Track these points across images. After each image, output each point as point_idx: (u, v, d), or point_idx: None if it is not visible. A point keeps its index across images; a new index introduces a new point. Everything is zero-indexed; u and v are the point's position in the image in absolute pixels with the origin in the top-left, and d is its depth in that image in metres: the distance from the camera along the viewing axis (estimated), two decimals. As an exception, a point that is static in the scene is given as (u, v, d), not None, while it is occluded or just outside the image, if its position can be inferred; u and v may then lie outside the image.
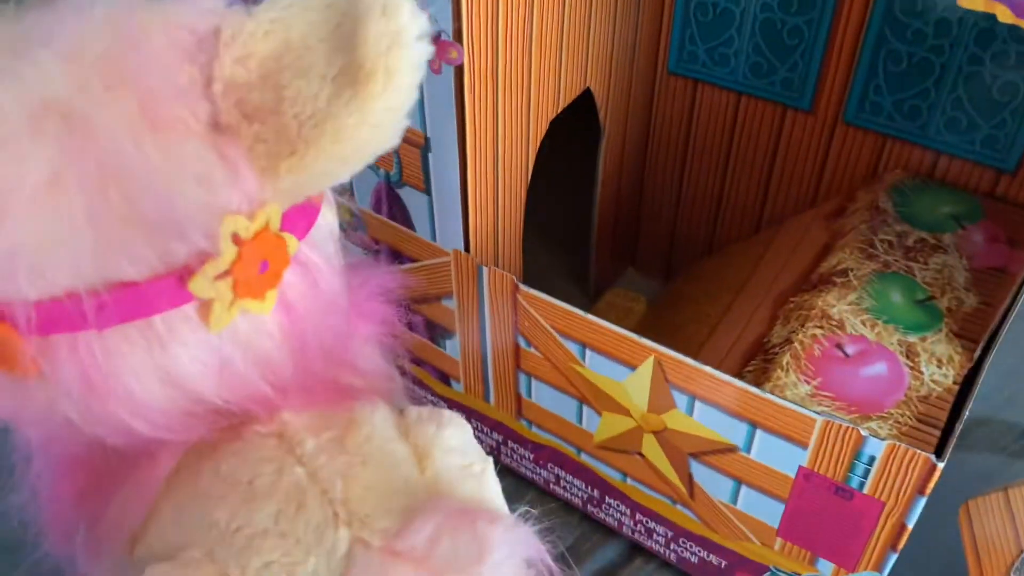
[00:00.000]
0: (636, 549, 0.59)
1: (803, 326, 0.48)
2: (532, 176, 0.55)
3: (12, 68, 0.24)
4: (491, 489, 0.36)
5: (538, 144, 0.54)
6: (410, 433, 0.35)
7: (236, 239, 0.27)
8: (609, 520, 0.59)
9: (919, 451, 0.39)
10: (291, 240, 0.29)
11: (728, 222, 0.69)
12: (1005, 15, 0.34)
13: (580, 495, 0.59)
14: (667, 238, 0.74)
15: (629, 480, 0.54)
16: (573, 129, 0.63)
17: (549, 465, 0.59)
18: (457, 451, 0.35)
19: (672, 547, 0.56)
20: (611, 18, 0.57)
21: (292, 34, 0.25)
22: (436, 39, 0.43)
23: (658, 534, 0.56)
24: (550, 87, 0.53)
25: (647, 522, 0.56)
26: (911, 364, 0.45)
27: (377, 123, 0.25)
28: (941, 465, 0.39)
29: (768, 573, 0.51)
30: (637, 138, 0.69)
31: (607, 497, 0.57)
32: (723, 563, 0.53)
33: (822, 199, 0.63)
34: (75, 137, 0.24)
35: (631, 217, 0.74)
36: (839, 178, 0.61)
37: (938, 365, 0.45)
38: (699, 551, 0.54)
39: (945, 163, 0.57)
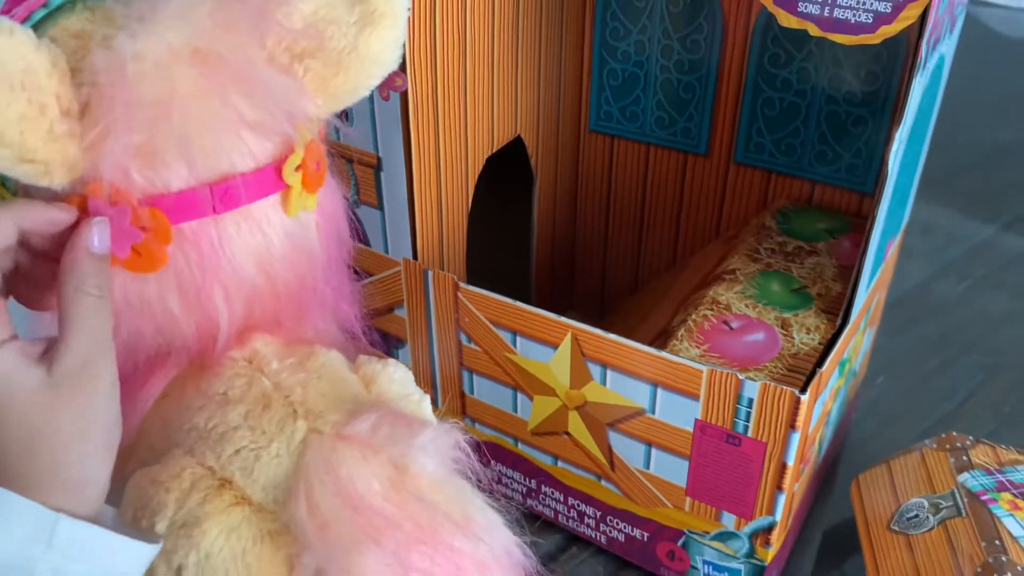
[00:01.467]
0: (572, 539, 0.65)
1: (696, 309, 0.57)
2: (474, 221, 0.64)
3: (151, 23, 0.33)
4: (427, 413, 0.43)
5: (476, 174, 0.64)
6: (360, 369, 0.43)
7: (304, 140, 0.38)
8: (546, 511, 0.65)
9: (786, 387, 0.47)
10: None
11: (649, 258, 0.79)
12: (815, 30, 0.45)
13: (520, 489, 0.65)
14: (599, 279, 0.84)
15: (560, 463, 0.61)
16: (509, 179, 0.73)
17: (492, 463, 0.66)
18: (398, 382, 0.43)
19: (601, 528, 0.62)
20: (536, 76, 0.68)
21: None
22: (385, 71, 0.53)
23: (588, 516, 0.62)
24: (484, 125, 0.63)
25: (578, 505, 0.62)
26: (784, 333, 0.54)
27: (389, 45, 0.39)
28: (804, 398, 0.47)
29: (683, 538, 0.58)
30: (566, 188, 0.79)
31: (543, 486, 0.63)
32: (645, 535, 0.59)
33: (724, 229, 0.73)
34: (208, 62, 0.34)
35: (566, 260, 0.84)
36: (736, 210, 0.72)
37: (807, 332, 0.54)
38: (624, 527, 0.60)
39: (820, 191, 0.68)
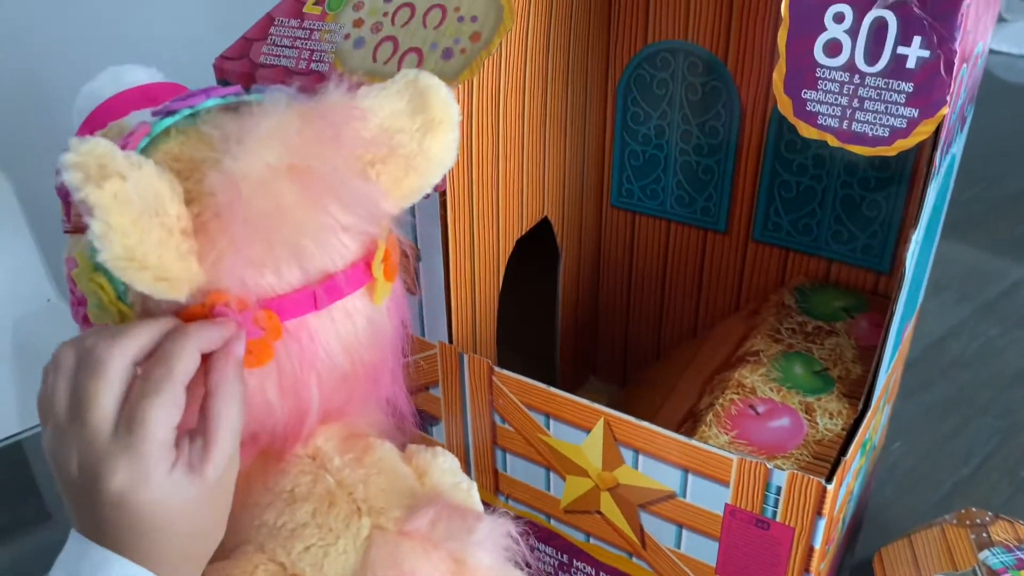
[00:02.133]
0: (602, 611, 0.67)
1: (723, 393, 0.59)
2: (503, 295, 0.67)
3: (248, 144, 0.37)
4: (476, 501, 0.46)
5: (507, 258, 0.67)
6: (411, 460, 0.45)
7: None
8: (578, 584, 0.67)
9: (812, 476, 0.50)
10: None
11: (669, 329, 0.82)
12: (833, 141, 0.48)
13: (551, 562, 0.67)
14: (620, 348, 0.86)
15: (592, 540, 0.63)
16: (536, 253, 0.76)
17: (524, 536, 0.67)
18: (449, 472, 0.46)
19: (632, 601, 0.64)
20: (562, 159, 0.71)
21: (386, 109, 0.41)
22: (425, 172, 0.56)
23: (619, 590, 0.64)
24: (514, 211, 0.66)
25: (609, 579, 0.64)
26: (808, 418, 0.56)
27: (449, 147, 0.43)
28: (830, 488, 0.50)
29: (713, 613, 0.59)
30: (590, 261, 0.82)
31: (575, 561, 0.65)
32: (676, 610, 0.61)
33: (743, 303, 0.76)
34: (303, 176, 0.37)
35: (589, 330, 0.86)
36: (755, 285, 0.74)
37: (830, 417, 0.56)
38: (655, 601, 0.62)
39: (836, 268, 0.70)
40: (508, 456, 0.63)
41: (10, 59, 1.92)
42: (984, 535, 0.60)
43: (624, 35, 0.72)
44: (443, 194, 0.57)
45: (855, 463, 0.56)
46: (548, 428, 0.59)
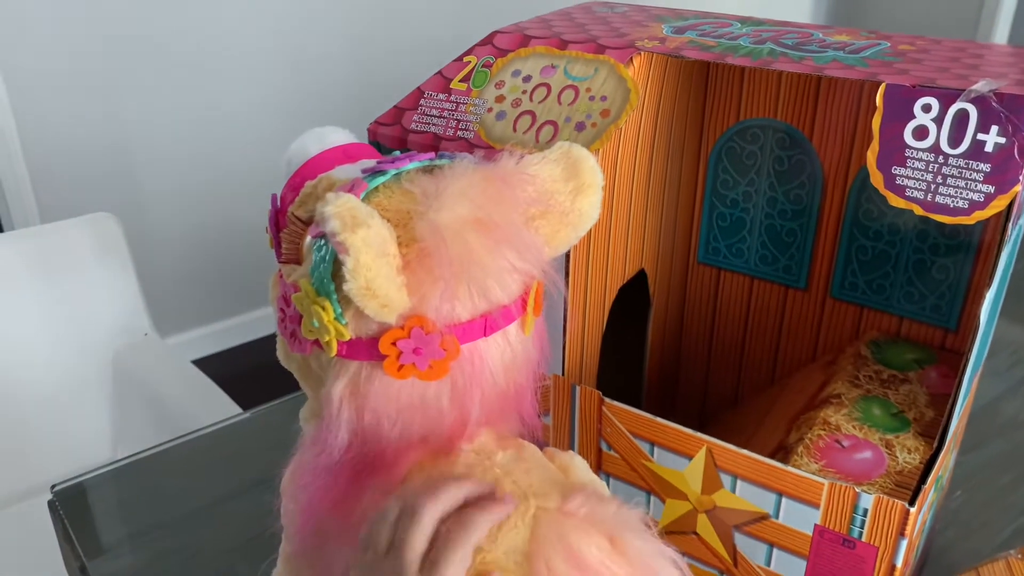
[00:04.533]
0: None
1: (811, 429, 0.66)
2: (603, 338, 0.75)
3: (445, 200, 0.46)
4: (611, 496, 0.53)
5: (611, 302, 0.75)
6: (554, 459, 0.54)
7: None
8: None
9: (897, 500, 0.57)
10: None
11: (748, 377, 0.89)
12: (919, 211, 0.57)
13: (644, 581, 0.74)
14: (700, 394, 0.94)
15: (687, 559, 0.69)
16: (631, 303, 0.84)
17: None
18: (585, 470, 0.54)
19: (720, 618, 0.70)
20: (659, 219, 0.80)
21: (545, 174, 0.51)
22: (556, 226, 0.66)
23: (709, 607, 0.70)
24: (619, 260, 0.75)
25: (699, 597, 0.70)
26: (889, 452, 0.64)
27: (595, 206, 0.52)
28: (913, 510, 0.57)
29: (797, 629, 0.66)
30: (675, 312, 0.90)
31: (667, 579, 0.72)
32: (762, 626, 0.68)
33: (819, 355, 0.83)
34: (487, 228, 0.46)
35: (671, 377, 0.94)
36: (830, 339, 0.82)
37: (908, 452, 0.63)
38: (742, 617, 0.69)
39: (907, 325, 0.78)
40: (611, 480, 0.71)
41: (116, 108, 2.08)
42: (1047, 568, 0.66)
43: (719, 111, 0.82)
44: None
45: (929, 496, 0.63)
46: (652, 455, 0.67)
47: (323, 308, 0.48)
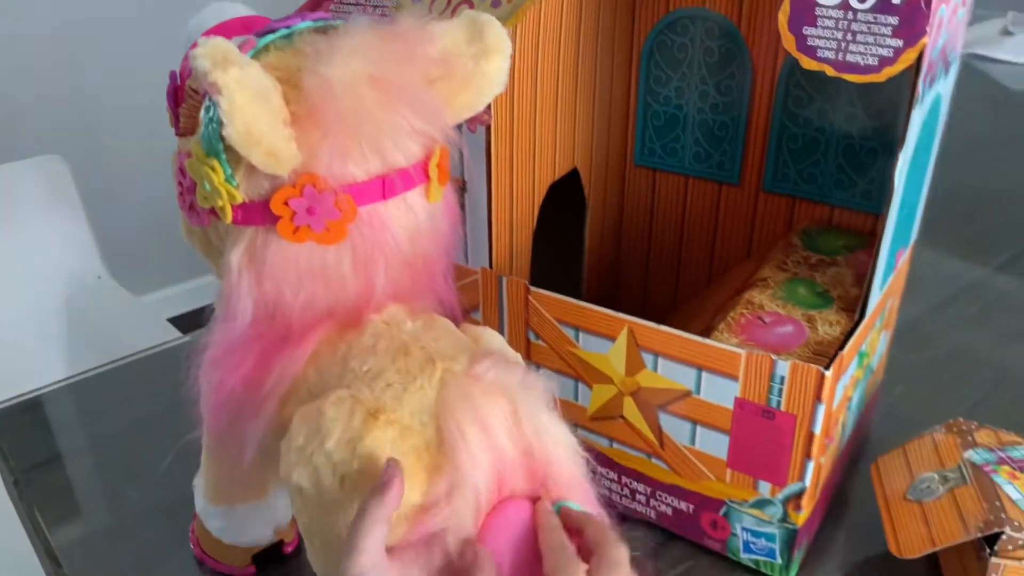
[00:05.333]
0: (622, 517, 0.74)
1: (734, 309, 0.66)
2: (537, 238, 0.74)
3: (337, 57, 0.45)
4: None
5: (541, 199, 0.74)
6: (466, 331, 0.53)
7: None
8: (601, 491, 0.73)
9: (812, 365, 0.57)
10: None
11: (686, 278, 0.89)
12: (831, 71, 0.56)
13: (577, 473, 0.74)
14: (640, 294, 0.93)
15: (615, 444, 0.70)
16: (566, 204, 0.83)
17: (552, 450, 0.74)
18: (498, 341, 0.53)
19: (652, 504, 0.70)
20: (591, 117, 0.79)
21: (449, 36, 0.49)
22: (473, 108, 0.64)
23: (640, 493, 0.71)
24: (548, 158, 0.74)
25: (631, 483, 0.71)
26: (810, 326, 0.64)
27: (501, 70, 0.51)
28: (828, 374, 0.57)
29: (724, 507, 0.66)
30: (613, 215, 0.90)
31: (599, 467, 0.72)
32: (691, 507, 0.68)
33: (754, 250, 0.83)
34: (382, 85, 0.45)
35: (612, 278, 0.94)
36: (764, 232, 0.82)
37: (829, 325, 0.63)
38: (672, 501, 0.69)
39: (839, 214, 0.78)
40: (541, 370, 0.71)
41: (58, 52, 2.03)
42: (970, 439, 0.66)
43: (648, 3, 0.81)
44: (488, 129, 0.65)
45: (852, 369, 0.63)
46: (577, 340, 0.67)
47: (213, 169, 0.47)
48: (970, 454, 0.64)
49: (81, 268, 1.51)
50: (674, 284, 0.90)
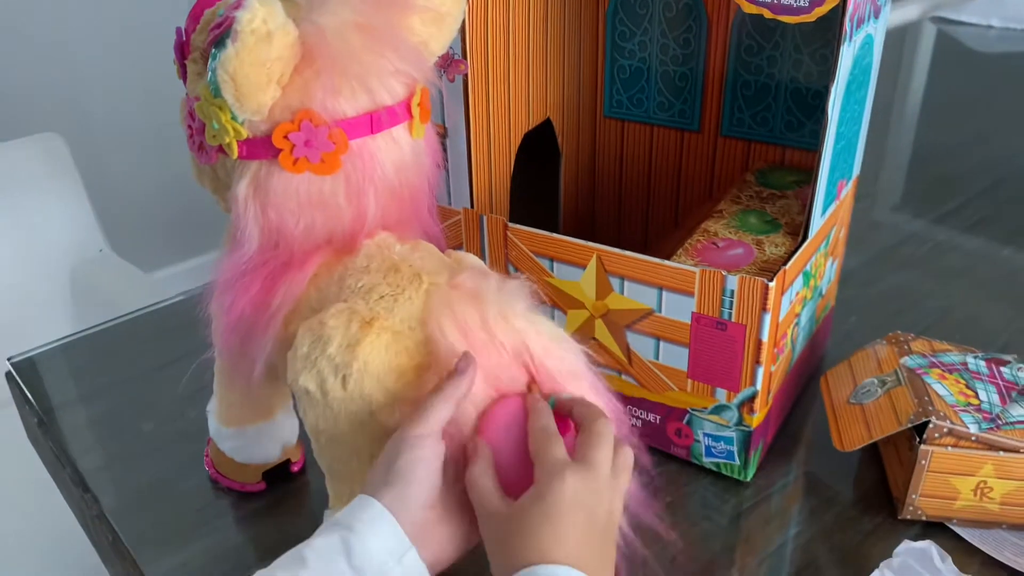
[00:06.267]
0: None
1: (691, 236, 0.73)
2: (516, 186, 0.81)
3: (327, 6, 0.51)
4: None
5: (516, 146, 0.81)
6: (449, 255, 0.60)
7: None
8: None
9: (758, 278, 0.64)
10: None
11: (654, 220, 0.96)
12: (768, 14, 0.63)
13: (556, 395, 0.81)
14: (614, 235, 1.00)
15: (589, 366, 0.77)
16: (542, 154, 0.90)
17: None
18: (477, 262, 0.60)
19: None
20: (561, 70, 0.86)
21: None
22: (451, 59, 0.71)
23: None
24: (522, 107, 0.81)
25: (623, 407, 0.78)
26: (759, 248, 0.71)
27: (461, 13, 0.57)
28: (772, 285, 0.64)
29: (687, 416, 0.73)
30: (586, 164, 0.97)
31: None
32: (658, 418, 0.75)
33: (715, 190, 0.90)
34: (368, 31, 0.51)
35: (587, 224, 1.00)
36: (724, 174, 0.89)
37: (776, 247, 0.70)
38: (641, 413, 0.76)
39: (790, 154, 0.85)
40: (518, 275, 0.77)
41: (53, 31, 2.08)
42: (906, 347, 0.74)
43: (611, -35, 0.87)
44: (465, 78, 0.71)
45: (797, 287, 0.71)
46: (552, 270, 0.74)
47: (220, 108, 0.53)
48: (905, 360, 0.71)
49: (83, 241, 1.57)
50: (644, 225, 0.97)
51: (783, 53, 0.81)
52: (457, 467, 0.52)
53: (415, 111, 0.57)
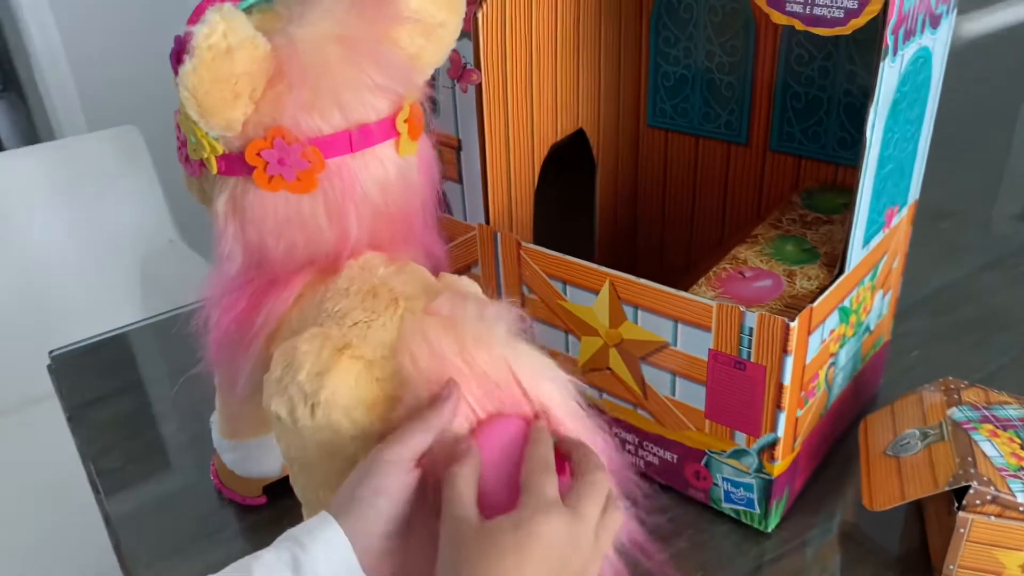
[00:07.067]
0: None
1: (718, 265, 0.67)
2: (546, 204, 0.77)
3: (308, 18, 0.49)
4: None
5: (542, 158, 0.77)
6: (442, 280, 0.56)
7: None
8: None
9: (777, 316, 0.58)
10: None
11: (699, 238, 0.90)
12: (799, 25, 0.56)
13: (573, 423, 0.77)
14: (657, 257, 0.95)
15: (604, 395, 0.72)
16: (575, 166, 0.85)
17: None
18: (471, 287, 0.56)
19: (639, 454, 0.73)
20: (596, 78, 0.81)
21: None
22: (463, 69, 0.67)
23: (629, 443, 0.73)
24: (548, 117, 0.76)
25: (620, 433, 0.73)
26: (789, 280, 0.64)
27: (457, 25, 0.54)
28: (793, 325, 0.58)
29: (705, 457, 0.68)
30: (627, 177, 0.91)
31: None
32: (675, 457, 0.70)
33: (763, 209, 0.83)
34: (348, 44, 0.49)
35: (629, 240, 0.95)
36: (772, 191, 0.82)
37: (808, 280, 0.64)
38: (658, 451, 0.71)
39: (843, 173, 0.77)
40: (535, 324, 0.73)
41: (138, 25, 2.15)
42: (956, 397, 0.66)
43: (654, -35, 0.81)
44: (479, 89, 0.67)
45: (832, 323, 0.64)
46: (565, 293, 0.69)
47: (195, 123, 0.51)
48: (953, 411, 0.64)
49: (154, 231, 1.61)
50: (688, 242, 0.91)
51: (836, 64, 0.74)
52: (434, 497, 0.48)
53: (401, 128, 0.53)
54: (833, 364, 0.67)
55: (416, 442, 0.47)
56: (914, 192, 0.71)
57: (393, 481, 0.46)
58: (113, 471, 0.80)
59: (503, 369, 0.49)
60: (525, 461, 0.46)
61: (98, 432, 0.86)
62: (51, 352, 0.97)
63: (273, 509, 0.73)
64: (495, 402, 0.49)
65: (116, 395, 0.91)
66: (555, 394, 0.51)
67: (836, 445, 0.76)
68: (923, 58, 0.62)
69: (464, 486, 0.45)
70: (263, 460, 0.72)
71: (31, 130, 2.79)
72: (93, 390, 0.92)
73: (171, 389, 0.90)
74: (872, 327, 0.74)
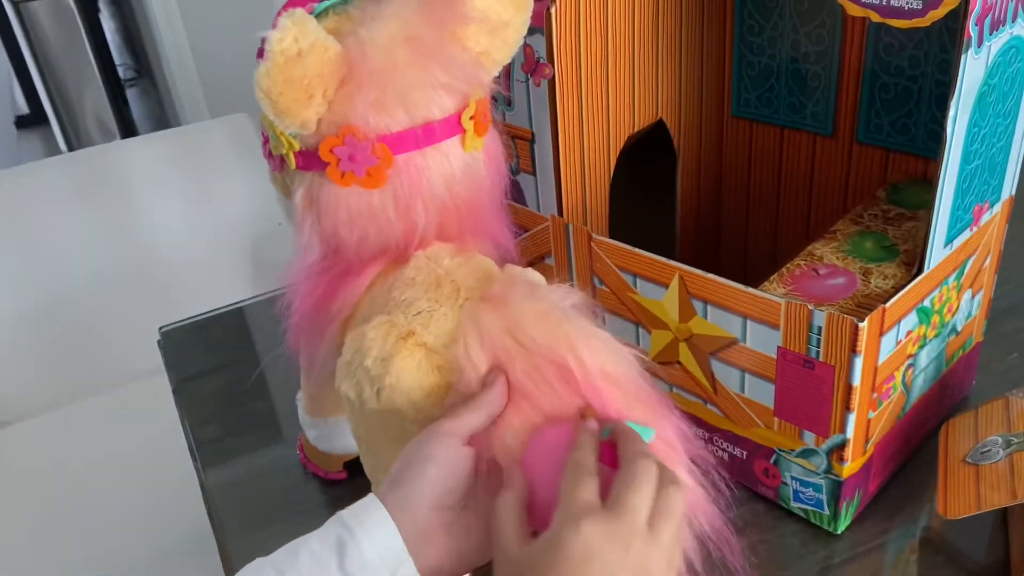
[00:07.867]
0: (687, 460, 0.76)
1: (792, 261, 0.66)
2: (626, 192, 0.77)
3: (378, 20, 0.51)
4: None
5: (618, 149, 0.77)
6: (507, 270, 0.58)
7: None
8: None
9: (846, 315, 0.57)
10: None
11: (784, 231, 0.88)
12: (875, 17, 0.54)
13: (644, 414, 0.77)
14: (741, 251, 0.93)
15: (675, 389, 0.72)
16: (653, 157, 0.85)
17: (622, 391, 0.78)
18: (536, 277, 0.58)
19: (709, 448, 0.72)
20: (676, 67, 0.80)
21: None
22: (536, 63, 0.68)
23: (698, 438, 0.72)
24: (625, 108, 0.76)
25: (691, 427, 0.73)
26: (864, 279, 0.63)
27: (524, 23, 0.55)
28: (863, 325, 0.56)
29: (774, 455, 0.67)
30: (711, 168, 0.90)
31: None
32: (744, 454, 0.69)
33: (849, 203, 0.81)
34: (415, 45, 0.51)
35: (712, 234, 0.94)
36: (859, 185, 0.79)
37: (884, 279, 0.62)
38: (727, 446, 0.71)
39: (932, 166, 0.74)
40: (606, 316, 0.74)
41: (257, 22, 2.25)
42: (1044, 404, 0.63)
43: (739, -47, 0.80)
44: (552, 82, 0.68)
45: (910, 324, 0.62)
46: (636, 287, 0.70)
47: (273, 122, 0.55)
48: (1040, 419, 0.61)
49: (264, 215, 1.69)
50: (772, 235, 0.89)
51: (927, 53, 0.71)
52: (485, 481, 0.50)
53: (467, 124, 0.55)
54: (911, 365, 0.65)
55: (468, 419, 0.48)
56: (1008, 188, 0.68)
57: (443, 451, 0.48)
58: (212, 441, 0.86)
59: (558, 342, 0.50)
60: (566, 467, 0.46)
61: (200, 404, 0.92)
62: (161, 328, 1.04)
63: (353, 484, 0.77)
64: (545, 378, 0.50)
65: (219, 370, 0.97)
66: (615, 368, 0.51)
67: (920, 448, 0.73)
68: (1015, 48, 0.59)
69: (505, 515, 0.46)
70: (343, 437, 0.75)
71: (162, 115, 2.98)
72: (198, 365, 0.99)
73: (268, 365, 0.96)
74: (959, 328, 0.71)
